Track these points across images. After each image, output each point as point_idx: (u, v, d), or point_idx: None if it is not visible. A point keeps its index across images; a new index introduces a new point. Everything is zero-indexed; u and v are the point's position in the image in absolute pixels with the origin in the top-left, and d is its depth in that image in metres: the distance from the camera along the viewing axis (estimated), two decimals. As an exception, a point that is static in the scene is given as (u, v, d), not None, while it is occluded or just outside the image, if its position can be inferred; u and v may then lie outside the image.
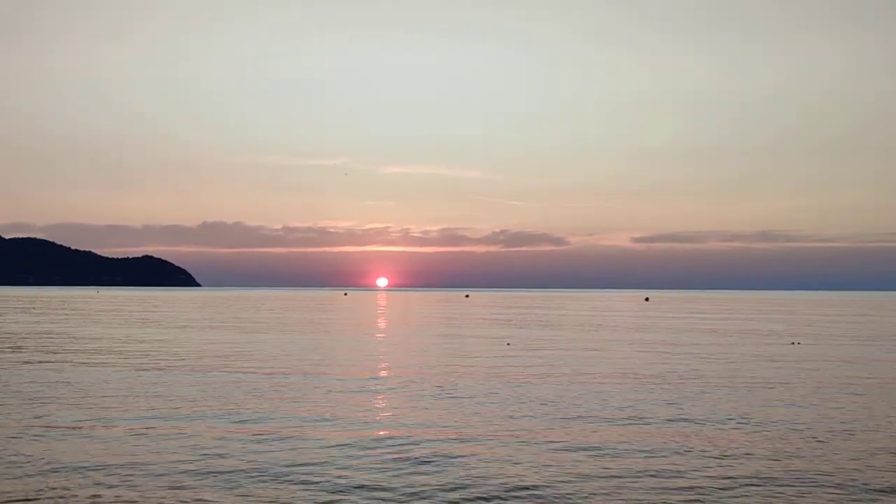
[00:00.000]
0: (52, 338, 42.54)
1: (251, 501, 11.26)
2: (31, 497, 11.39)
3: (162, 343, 40.06)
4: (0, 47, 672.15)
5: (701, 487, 12.10)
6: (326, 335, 47.52)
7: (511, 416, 18.19)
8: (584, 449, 14.71)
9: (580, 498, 11.55)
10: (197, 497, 11.46)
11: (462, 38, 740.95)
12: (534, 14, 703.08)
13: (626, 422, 17.63)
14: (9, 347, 36.39)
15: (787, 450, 14.70)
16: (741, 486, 12.22)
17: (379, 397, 21.49)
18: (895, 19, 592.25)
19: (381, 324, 63.49)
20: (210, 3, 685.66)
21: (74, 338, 42.76)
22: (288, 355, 33.36)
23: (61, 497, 11.41)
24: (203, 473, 12.72)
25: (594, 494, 11.70)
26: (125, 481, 12.26)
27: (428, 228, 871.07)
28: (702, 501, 11.44)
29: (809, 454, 14.39)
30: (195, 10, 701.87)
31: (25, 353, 33.66)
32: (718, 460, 13.84)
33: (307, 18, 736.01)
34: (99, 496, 11.47)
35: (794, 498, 11.63)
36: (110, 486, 11.98)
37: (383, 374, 27.12)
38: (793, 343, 42.38)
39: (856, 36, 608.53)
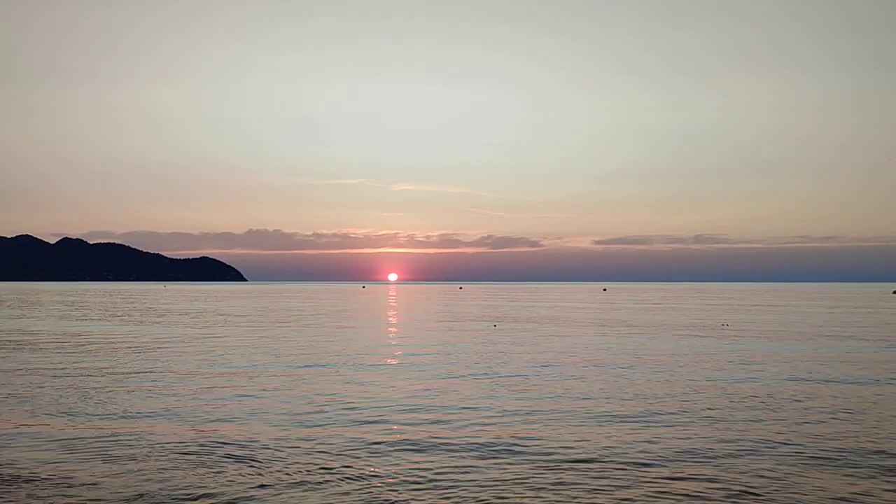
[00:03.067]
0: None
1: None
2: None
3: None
4: (79, 85, 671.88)
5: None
6: (355, 318, 47.82)
7: (495, 377, 18.62)
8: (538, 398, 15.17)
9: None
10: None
11: (457, 80, 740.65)
12: (511, 59, 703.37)
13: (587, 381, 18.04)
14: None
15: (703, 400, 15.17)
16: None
17: (396, 364, 21.85)
18: (820, 63, 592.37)
19: (394, 310, 63.72)
20: (252, 50, 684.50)
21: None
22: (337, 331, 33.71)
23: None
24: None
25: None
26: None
27: (429, 234, 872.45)
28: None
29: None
30: (239, 56, 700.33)
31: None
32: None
33: (334, 64, 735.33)
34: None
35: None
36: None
37: (400, 347, 27.46)
38: (722, 325, 42.71)
39: (783, 79, 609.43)
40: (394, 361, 23.33)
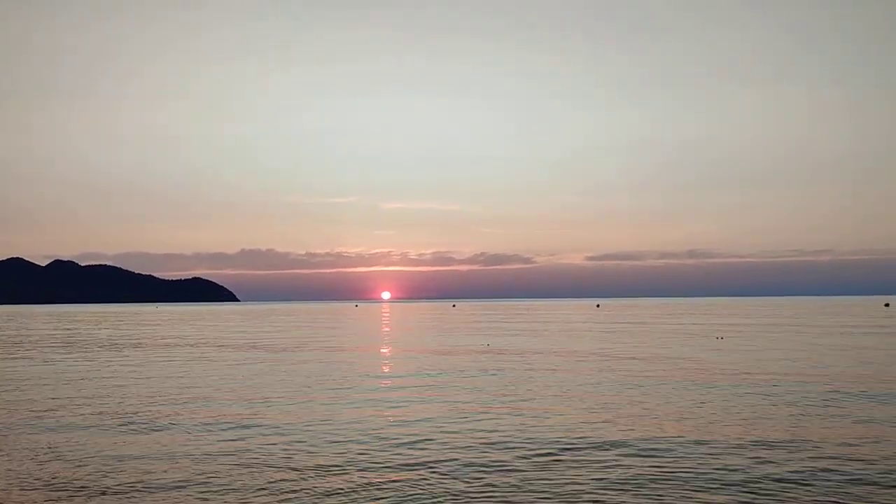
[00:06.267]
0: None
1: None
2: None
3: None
4: (75, 103, 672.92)
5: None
6: (352, 338, 47.43)
7: (487, 394, 18.28)
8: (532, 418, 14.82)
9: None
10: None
11: (449, 97, 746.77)
12: (502, 73, 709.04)
13: (576, 399, 17.73)
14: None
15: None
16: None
17: (394, 383, 21.47)
18: (809, 74, 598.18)
19: (388, 329, 63.27)
20: (245, 70, 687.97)
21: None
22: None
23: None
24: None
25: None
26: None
27: (422, 252, 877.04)
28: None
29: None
30: (233, 77, 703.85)
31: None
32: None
33: (325, 84, 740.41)
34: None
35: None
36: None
37: (396, 366, 27.08)
38: (718, 338, 42.56)
39: (772, 89, 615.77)
40: (389, 391, 22.92)
